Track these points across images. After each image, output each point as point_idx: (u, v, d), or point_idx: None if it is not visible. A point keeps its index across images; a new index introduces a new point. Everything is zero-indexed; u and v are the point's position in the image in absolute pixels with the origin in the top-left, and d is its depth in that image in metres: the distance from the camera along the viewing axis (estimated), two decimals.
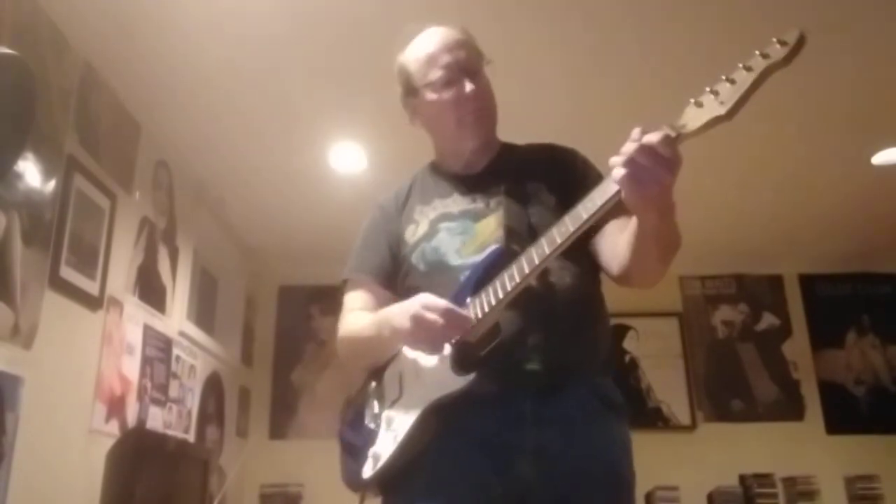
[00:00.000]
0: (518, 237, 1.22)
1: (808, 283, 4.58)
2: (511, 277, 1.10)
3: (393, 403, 1.24)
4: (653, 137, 0.96)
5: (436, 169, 1.44)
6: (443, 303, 1.12)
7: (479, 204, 1.31)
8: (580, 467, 1.13)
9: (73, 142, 2.32)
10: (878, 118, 2.97)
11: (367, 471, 1.22)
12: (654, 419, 4.31)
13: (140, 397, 2.72)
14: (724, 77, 0.93)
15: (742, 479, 4.03)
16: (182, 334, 3.19)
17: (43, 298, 2.10)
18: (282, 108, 2.82)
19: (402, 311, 1.16)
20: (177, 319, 3.14)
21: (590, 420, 1.17)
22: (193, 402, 3.33)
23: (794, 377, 4.40)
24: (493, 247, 1.20)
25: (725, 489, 3.99)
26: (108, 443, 2.38)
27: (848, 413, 4.31)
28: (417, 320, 1.12)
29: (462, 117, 1.32)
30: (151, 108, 2.78)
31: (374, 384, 1.32)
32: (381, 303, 1.33)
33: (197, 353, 3.40)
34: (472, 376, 1.10)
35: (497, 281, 1.12)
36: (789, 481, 4.01)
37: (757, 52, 0.91)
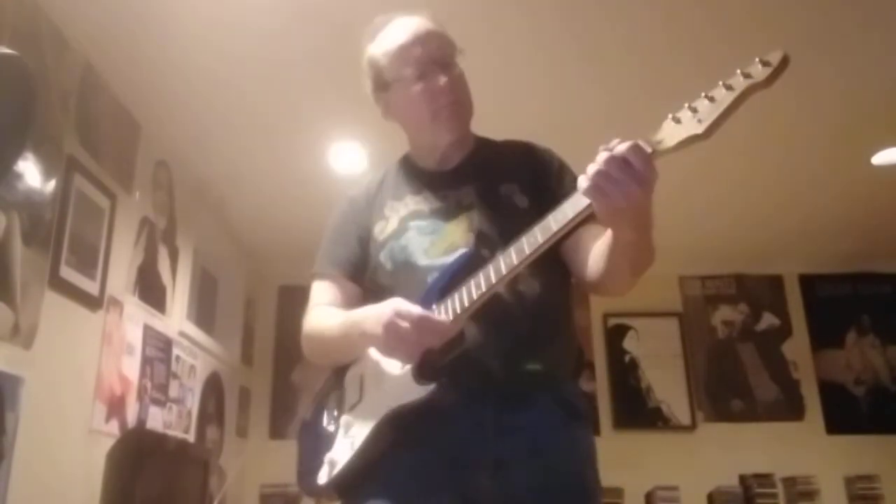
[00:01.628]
0: (488, 241, 1.19)
1: (808, 283, 4.58)
2: (477, 286, 1.08)
3: (352, 408, 1.22)
4: (624, 148, 0.92)
5: (409, 163, 1.40)
6: (417, 311, 1.07)
7: (451, 203, 1.28)
8: (540, 480, 1.10)
9: (73, 142, 2.32)
10: (877, 118, 2.97)
11: (323, 477, 1.20)
12: (654, 419, 4.31)
13: (140, 397, 2.72)
14: (703, 94, 0.91)
15: (742, 479, 4.03)
16: (182, 334, 3.19)
17: (43, 298, 2.10)
18: (282, 107, 2.82)
19: (374, 317, 1.11)
20: (177, 319, 3.14)
21: (552, 431, 1.15)
22: (193, 402, 3.33)
23: (794, 377, 4.40)
24: (461, 250, 1.18)
25: (725, 489, 3.99)
26: (108, 443, 2.38)
27: (848, 413, 4.32)
28: (391, 329, 1.07)
29: (436, 111, 1.28)
30: (151, 108, 2.78)
31: (334, 385, 1.30)
32: (349, 297, 1.31)
33: (197, 353, 3.40)
34: (432, 386, 1.08)
35: (464, 288, 1.10)
36: (789, 481, 4.01)
37: (738, 71, 0.88)
